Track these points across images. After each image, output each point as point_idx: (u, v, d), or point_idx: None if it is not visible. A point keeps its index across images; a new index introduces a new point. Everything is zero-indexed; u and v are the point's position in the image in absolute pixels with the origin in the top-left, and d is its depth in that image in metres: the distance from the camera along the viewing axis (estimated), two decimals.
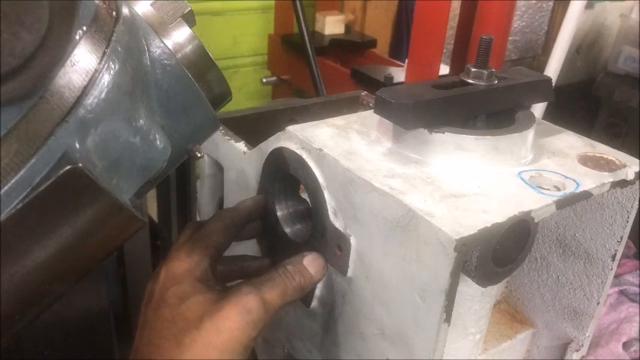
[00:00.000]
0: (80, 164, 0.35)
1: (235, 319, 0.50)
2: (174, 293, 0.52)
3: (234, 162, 0.70)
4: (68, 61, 0.35)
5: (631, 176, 0.56)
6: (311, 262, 0.56)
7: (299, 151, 0.57)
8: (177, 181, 0.86)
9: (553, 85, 0.64)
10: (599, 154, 0.59)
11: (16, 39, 0.31)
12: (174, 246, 0.57)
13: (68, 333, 0.99)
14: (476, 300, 0.57)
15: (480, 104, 0.57)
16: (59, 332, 0.97)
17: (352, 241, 0.54)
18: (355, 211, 0.52)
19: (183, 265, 0.54)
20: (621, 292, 1.50)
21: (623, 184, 0.56)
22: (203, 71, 0.46)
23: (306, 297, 0.61)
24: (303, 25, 1.47)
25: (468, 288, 0.55)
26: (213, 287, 0.53)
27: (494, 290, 0.60)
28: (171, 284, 0.53)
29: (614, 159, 0.58)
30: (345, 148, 0.56)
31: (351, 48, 1.98)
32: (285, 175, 0.60)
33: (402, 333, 0.51)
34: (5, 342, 0.39)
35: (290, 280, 0.54)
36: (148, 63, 0.42)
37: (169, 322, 0.51)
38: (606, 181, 0.54)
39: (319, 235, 0.57)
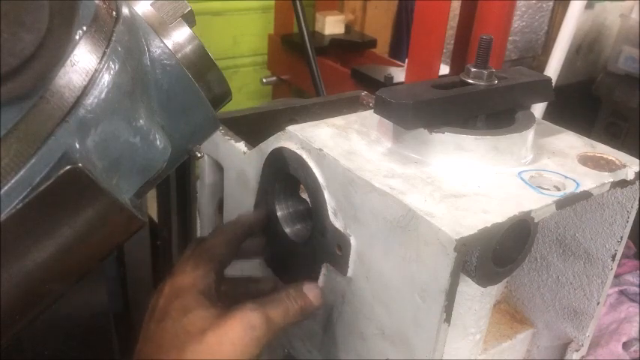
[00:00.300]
0: (80, 164, 0.35)
1: (239, 334, 0.50)
2: (178, 306, 0.52)
3: (234, 162, 0.70)
4: (68, 61, 0.35)
5: (631, 176, 0.56)
6: (309, 289, 0.56)
7: (299, 151, 0.57)
8: (177, 181, 0.86)
9: (553, 85, 0.64)
10: (599, 154, 0.59)
11: (16, 39, 0.31)
12: (179, 261, 0.57)
13: (68, 333, 0.99)
14: (476, 300, 0.57)
15: (480, 104, 0.57)
16: (59, 332, 0.97)
17: (352, 241, 0.54)
18: (355, 211, 0.52)
19: (187, 279, 0.54)
20: (621, 292, 1.50)
21: (623, 184, 0.56)
22: (203, 71, 0.46)
23: None
24: (303, 25, 1.47)
25: (468, 288, 0.55)
26: (217, 303, 0.53)
27: (494, 290, 0.60)
28: (175, 297, 0.53)
29: (614, 159, 0.58)
30: (345, 148, 0.56)
31: (351, 48, 1.98)
32: (285, 175, 0.60)
33: (402, 333, 0.51)
34: (5, 342, 0.39)
35: (292, 302, 0.55)
36: (148, 63, 0.42)
37: (171, 335, 0.51)
38: (606, 181, 0.54)
39: (319, 235, 0.57)
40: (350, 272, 0.55)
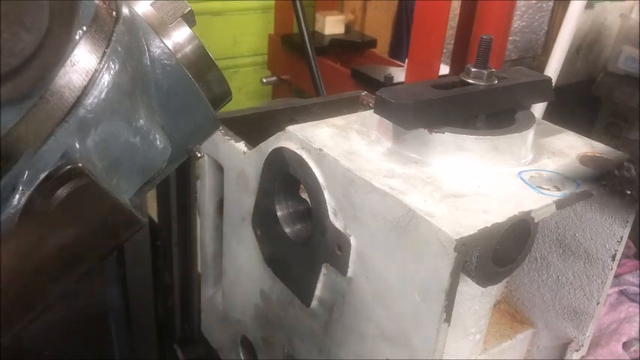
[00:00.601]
0: (80, 164, 0.35)
1: None
2: None
3: (234, 162, 0.70)
4: (68, 61, 0.35)
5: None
6: None
7: (299, 151, 0.57)
8: (177, 181, 0.86)
9: (553, 85, 0.64)
10: (599, 154, 0.59)
11: (16, 39, 0.31)
12: None
13: (68, 333, 0.99)
14: (476, 300, 0.57)
15: (480, 104, 0.57)
16: (59, 332, 0.96)
17: (352, 241, 0.54)
18: (355, 211, 0.52)
19: None
20: (621, 292, 1.50)
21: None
22: (203, 71, 0.46)
23: (306, 297, 0.61)
24: (303, 25, 1.47)
25: (468, 288, 0.55)
26: None
27: (494, 290, 0.60)
28: None
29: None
30: (345, 148, 0.55)
31: (351, 48, 1.98)
32: (285, 175, 0.60)
33: (402, 333, 0.51)
34: (5, 342, 0.39)
35: None
36: (148, 63, 0.42)
37: None
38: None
39: (319, 235, 0.57)
40: (350, 272, 0.55)
